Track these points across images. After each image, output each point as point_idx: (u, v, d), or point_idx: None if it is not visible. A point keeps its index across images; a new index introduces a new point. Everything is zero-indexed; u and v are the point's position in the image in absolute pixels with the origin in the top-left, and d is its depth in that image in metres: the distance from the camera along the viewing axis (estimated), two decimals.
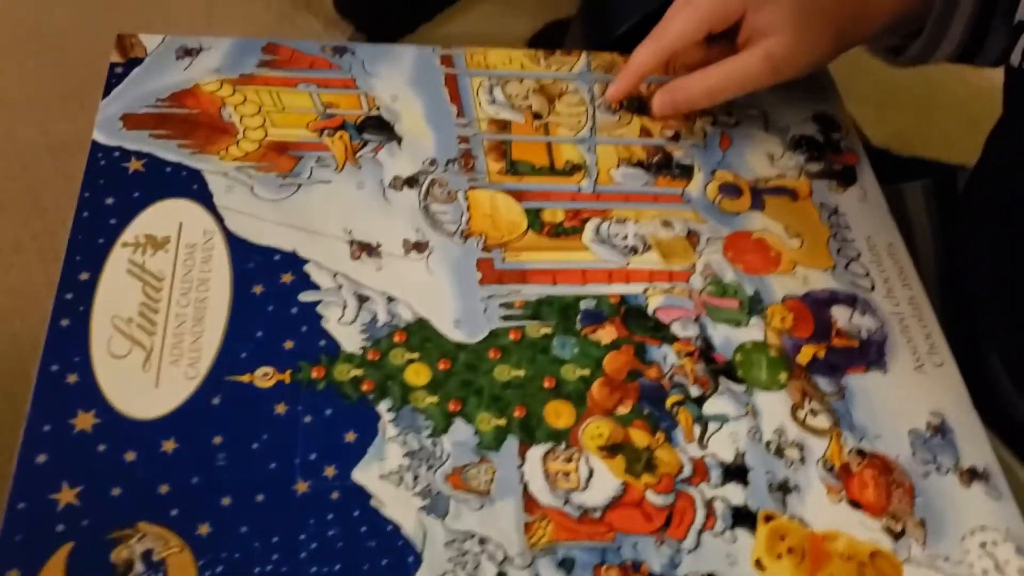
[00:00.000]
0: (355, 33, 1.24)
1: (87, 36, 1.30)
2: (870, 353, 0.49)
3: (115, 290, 0.45)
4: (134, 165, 0.50)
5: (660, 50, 0.54)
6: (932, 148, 0.77)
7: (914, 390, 0.47)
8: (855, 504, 0.43)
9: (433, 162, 0.53)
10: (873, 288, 0.52)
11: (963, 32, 0.51)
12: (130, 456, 0.40)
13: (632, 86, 0.56)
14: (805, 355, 0.48)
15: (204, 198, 0.49)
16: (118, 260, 0.46)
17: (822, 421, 0.46)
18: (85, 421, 0.41)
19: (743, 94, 0.55)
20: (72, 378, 0.42)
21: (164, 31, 0.57)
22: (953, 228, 0.60)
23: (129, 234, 0.47)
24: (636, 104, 0.58)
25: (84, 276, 0.45)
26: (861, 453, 0.45)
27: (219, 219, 0.49)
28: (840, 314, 0.50)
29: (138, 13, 1.28)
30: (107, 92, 0.53)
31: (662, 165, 0.55)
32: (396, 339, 0.46)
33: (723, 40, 0.55)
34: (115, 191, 0.49)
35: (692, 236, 0.52)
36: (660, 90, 0.55)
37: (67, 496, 0.39)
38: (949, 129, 1.12)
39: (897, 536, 0.42)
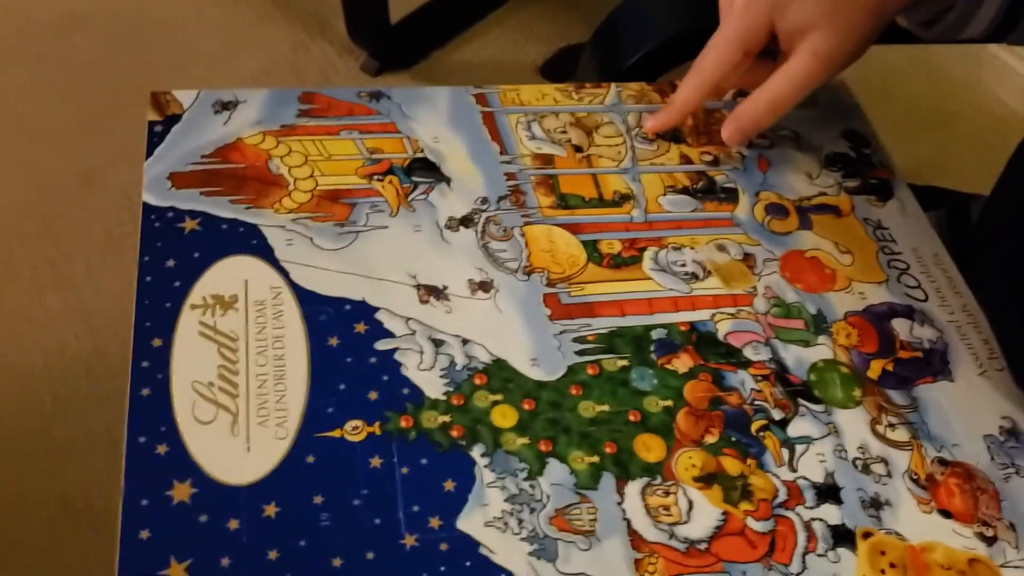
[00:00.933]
0: (368, 59, 1.24)
1: (108, 67, 1.29)
2: (935, 363, 0.50)
3: (191, 354, 0.45)
4: (189, 225, 0.50)
5: (702, 84, 0.54)
6: (948, 176, 0.78)
7: (982, 396, 0.49)
8: (945, 513, 0.44)
9: (484, 200, 0.53)
10: (927, 299, 0.53)
11: (997, 9, 0.51)
12: (233, 524, 0.39)
13: (676, 122, 0.57)
14: (875, 369, 0.49)
15: (265, 253, 0.49)
16: (189, 323, 0.46)
17: (901, 434, 0.46)
18: (182, 492, 0.40)
19: (803, 98, 0.54)
20: (162, 448, 0.41)
21: (184, 61, 0.57)
22: (967, 257, 0.61)
23: (196, 295, 0.47)
24: (671, 132, 0.59)
25: (157, 342, 0.45)
26: (943, 462, 0.46)
27: (284, 273, 0.48)
28: (901, 327, 0.51)
29: (158, 45, 1.27)
30: (150, 152, 0.53)
31: (707, 190, 0.56)
32: (477, 381, 0.46)
33: (768, 59, 0.55)
34: (174, 253, 0.48)
35: (748, 259, 0.53)
36: (725, 122, 0.55)
37: (177, 571, 0.38)
38: (965, 157, 1.14)
39: (990, 541, 0.43)
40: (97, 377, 1.08)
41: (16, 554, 0.97)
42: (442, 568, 0.39)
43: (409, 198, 0.53)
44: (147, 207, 0.50)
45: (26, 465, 1.02)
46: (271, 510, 0.40)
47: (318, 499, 0.41)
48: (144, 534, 0.39)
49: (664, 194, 0.55)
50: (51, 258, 1.16)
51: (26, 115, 1.28)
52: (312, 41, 1.34)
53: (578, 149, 0.57)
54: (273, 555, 0.39)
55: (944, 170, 0.73)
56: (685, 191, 0.55)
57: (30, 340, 1.10)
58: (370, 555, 0.39)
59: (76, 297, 1.14)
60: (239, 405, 0.43)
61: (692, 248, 0.53)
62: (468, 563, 0.40)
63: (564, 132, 0.58)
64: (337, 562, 0.39)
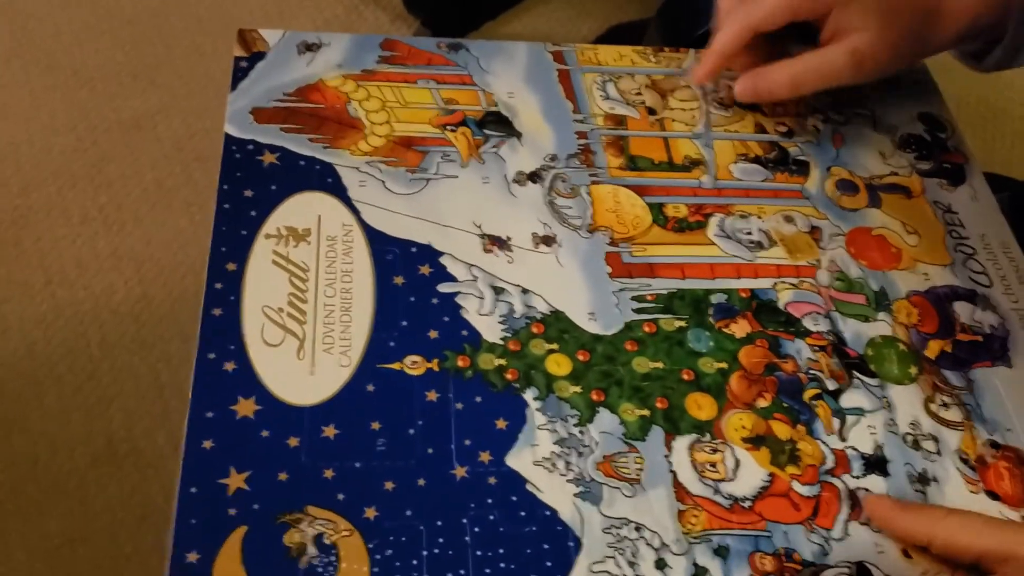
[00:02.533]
0: (420, 28, 1.25)
1: (161, 20, 1.31)
2: (994, 348, 0.49)
3: (263, 280, 0.46)
4: (268, 158, 0.51)
5: (747, 28, 0.53)
6: (998, 169, 0.77)
7: None
8: (993, 495, 0.44)
9: (554, 157, 0.54)
10: (991, 285, 0.52)
11: None
12: (293, 442, 0.41)
13: (718, 67, 0.56)
14: (933, 349, 0.49)
15: (339, 191, 0.50)
16: (263, 251, 0.47)
17: (954, 414, 0.46)
18: (246, 408, 0.42)
19: (824, 88, 0.54)
20: (230, 366, 0.43)
21: (236, 21, 0.58)
22: None
23: (271, 226, 0.48)
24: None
25: (231, 266, 0.46)
26: (994, 445, 0.45)
27: (355, 212, 0.50)
28: (962, 310, 0.51)
29: (212, 3, 1.30)
30: (234, 86, 0.55)
31: (779, 161, 0.56)
32: (534, 330, 0.47)
33: (806, 45, 0.55)
34: (252, 183, 0.50)
35: (814, 231, 0.53)
36: (743, 75, 0.54)
37: (236, 481, 0.40)
38: (1013, 152, 1.12)
39: None
40: (144, 323, 1.11)
41: (60, 492, 1.00)
42: (489, 500, 0.40)
43: (480, 150, 0.54)
44: (228, 138, 0.52)
45: (72, 405, 1.05)
46: (330, 431, 0.42)
47: (375, 425, 0.42)
48: (207, 444, 0.41)
49: (735, 162, 0.55)
50: (101, 204, 1.18)
51: (80, 60, 1.31)
52: (365, 6, 1.35)
53: (651, 112, 0.57)
54: (329, 474, 0.40)
55: (992, 165, 0.72)
56: (757, 160, 0.55)
57: (80, 283, 1.13)
58: (421, 482, 0.41)
59: (126, 244, 1.16)
60: (306, 331, 0.45)
61: (759, 217, 0.53)
62: (514, 498, 0.41)
63: (639, 94, 0.58)
64: (389, 485, 0.40)
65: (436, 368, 0.44)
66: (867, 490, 0.43)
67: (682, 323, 0.48)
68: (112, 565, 0.94)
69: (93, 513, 0.98)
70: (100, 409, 1.05)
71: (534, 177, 0.53)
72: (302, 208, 0.49)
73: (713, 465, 0.43)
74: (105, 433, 1.03)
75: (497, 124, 0.55)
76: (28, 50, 1.32)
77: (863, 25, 0.52)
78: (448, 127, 0.55)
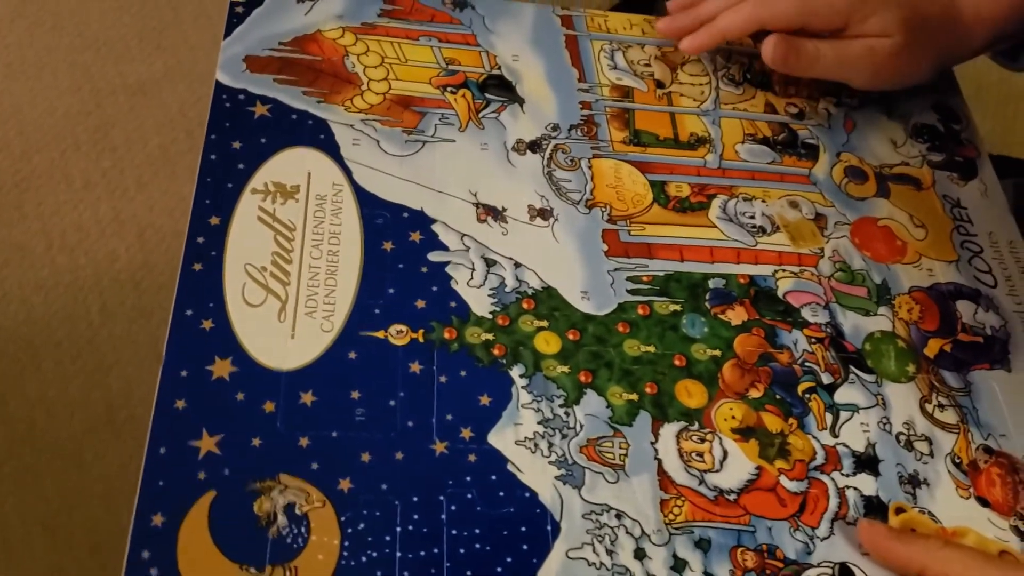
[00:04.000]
0: None
1: None
2: (994, 350, 0.48)
3: (246, 237, 0.45)
4: (259, 110, 0.49)
5: (753, 21, 0.52)
6: (1015, 153, 0.75)
7: None
8: (983, 502, 0.43)
9: (556, 127, 0.52)
10: (995, 284, 0.51)
11: None
12: (269, 406, 0.40)
13: (711, 44, 0.54)
14: (932, 348, 0.47)
15: (331, 149, 0.49)
16: (248, 206, 0.46)
17: (950, 416, 0.45)
18: (222, 368, 0.41)
19: (836, 78, 0.53)
20: (207, 324, 0.42)
21: None
22: None
23: (258, 180, 0.47)
24: (760, 78, 0.57)
25: (214, 220, 0.45)
26: (988, 451, 0.44)
27: (347, 171, 0.48)
28: (965, 309, 0.49)
29: None
30: (228, 32, 0.52)
31: (788, 143, 0.54)
32: (525, 306, 0.45)
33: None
34: (241, 135, 0.48)
35: (819, 219, 0.51)
36: (775, 39, 0.52)
37: (207, 444, 0.38)
38: None
39: None
40: (144, 290, 1.09)
41: (57, 458, 0.99)
42: (468, 478, 0.39)
43: (480, 115, 0.52)
44: (219, 86, 0.50)
45: (70, 371, 1.04)
46: (308, 398, 0.40)
47: (355, 394, 0.41)
48: (180, 404, 0.39)
49: (743, 142, 0.53)
50: (104, 169, 1.16)
51: (85, 21, 1.28)
52: None
53: (660, 85, 0.55)
54: (304, 442, 0.39)
55: (1010, 148, 0.71)
56: (765, 141, 0.54)
57: (81, 249, 1.11)
58: (399, 455, 0.39)
59: (128, 209, 1.14)
60: (289, 292, 0.43)
61: (763, 201, 0.51)
62: (494, 477, 0.40)
63: (648, 65, 0.56)
64: (366, 457, 0.39)
65: (421, 339, 0.43)
66: (856, 489, 0.42)
67: (677, 307, 0.46)
68: (108, 531, 0.94)
69: (90, 479, 0.97)
70: (99, 376, 1.04)
71: (534, 146, 0.51)
72: (292, 164, 0.48)
73: (700, 455, 0.42)
74: (104, 400, 1.02)
75: (499, 88, 0.53)
76: (33, 10, 1.29)
77: (883, 33, 0.51)
78: (448, 88, 0.53)
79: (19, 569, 0.93)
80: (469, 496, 0.39)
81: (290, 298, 0.43)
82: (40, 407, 1.02)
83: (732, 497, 0.41)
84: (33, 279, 1.09)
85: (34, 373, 1.03)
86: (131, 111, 1.21)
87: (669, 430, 0.42)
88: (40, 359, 1.04)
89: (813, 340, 0.46)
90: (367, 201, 0.47)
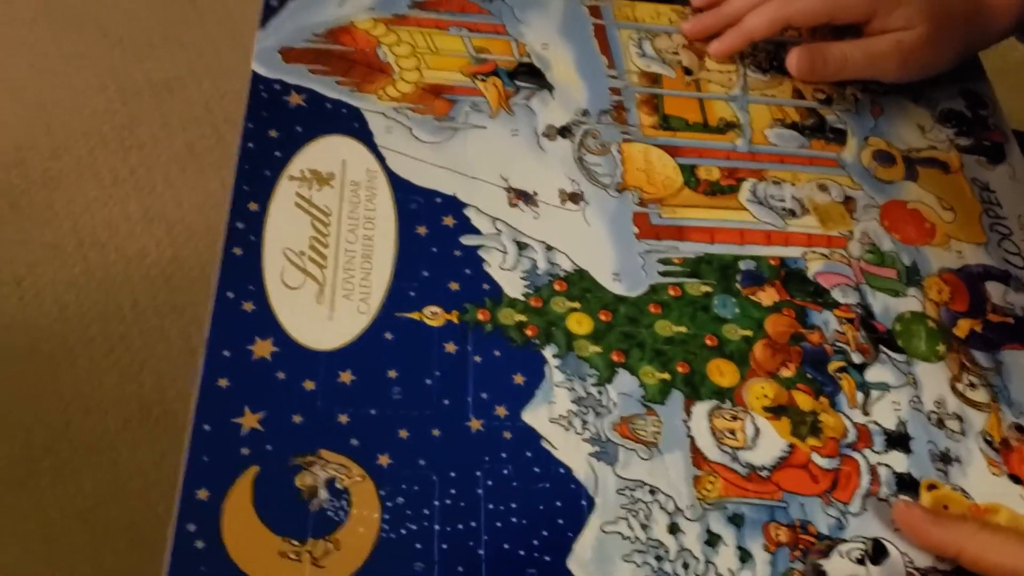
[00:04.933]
0: None
1: None
2: None
3: (285, 222, 0.46)
4: (295, 99, 0.50)
5: (779, 21, 0.53)
6: None
7: None
8: (1015, 479, 0.43)
9: (586, 112, 0.53)
10: None
11: None
12: (309, 385, 0.41)
13: (740, 47, 0.55)
14: (962, 328, 0.47)
15: (365, 137, 0.49)
16: (286, 193, 0.47)
17: (981, 394, 0.45)
18: (263, 349, 0.41)
19: (869, 76, 0.54)
20: (248, 306, 0.43)
21: None
22: None
23: (295, 167, 0.48)
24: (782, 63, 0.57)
25: (253, 206, 0.46)
26: (1020, 428, 0.44)
27: (380, 159, 0.49)
28: (994, 290, 0.49)
29: None
30: (263, 24, 0.53)
31: (816, 128, 0.54)
32: (557, 287, 0.46)
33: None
34: (278, 124, 0.49)
35: (848, 202, 0.51)
36: (799, 50, 0.53)
37: (250, 421, 0.39)
38: None
39: None
40: (176, 285, 1.11)
41: (92, 453, 1.00)
42: (503, 455, 0.40)
43: (510, 101, 0.53)
44: (256, 76, 0.51)
45: (104, 367, 1.05)
46: (346, 377, 0.41)
47: (392, 373, 0.41)
48: (223, 382, 0.40)
49: (771, 127, 0.54)
50: (132, 166, 1.18)
51: (108, 21, 1.30)
52: None
53: (688, 72, 0.56)
54: (343, 419, 0.40)
55: None
56: (793, 126, 0.54)
57: (111, 246, 1.13)
58: (436, 432, 0.40)
59: (157, 206, 1.15)
60: (326, 276, 0.44)
61: (793, 184, 0.51)
62: (529, 453, 0.40)
63: (675, 53, 0.57)
64: (404, 434, 0.40)
65: (455, 320, 0.44)
66: (888, 466, 0.42)
67: (708, 288, 0.47)
68: (144, 526, 0.95)
69: (126, 474, 0.99)
70: (132, 372, 1.05)
71: (564, 132, 0.52)
72: (327, 151, 0.49)
73: (732, 432, 0.42)
74: (137, 396, 1.04)
75: (529, 76, 0.54)
76: (56, 10, 1.31)
77: (908, 24, 0.52)
78: (479, 76, 0.53)
79: (59, 563, 0.95)
80: (505, 472, 0.40)
81: (328, 281, 0.44)
82: (75, 403, 1.03)
83: (765, 474, 0.41)
84: (65, 277, 1.11)
85: (68, 370, 1.05)
86: (157, 109, 1.23)
87: (701, 408, 0.43)
88: (74, 356, 1.06)
89: (843, 320, 0.47)
90: (401, 187, 0.48)
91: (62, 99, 1.23)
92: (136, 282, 1.11)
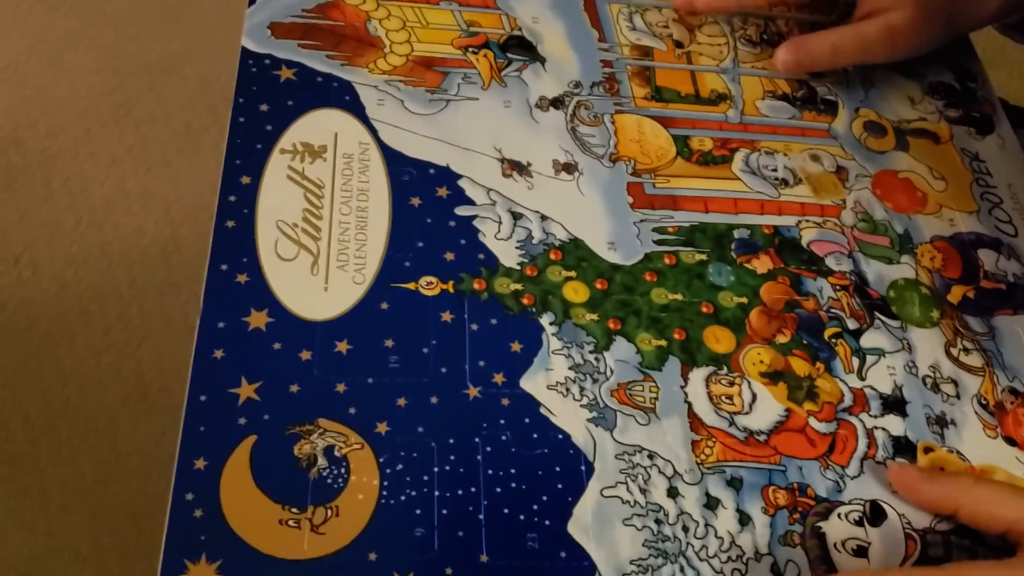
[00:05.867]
0: None
1: None
2: (1017, 296, 0.49)
3: (277, 195, 0.45)
4: (285, 74, 0.50)
5: None
6: None
7: None
8: (1010, 441, 0.43)
9: (578, 84, 0.53)
10: (1016, 234, 0.51)
11: None
12: (305, 355, 0.40)
13: (726, 10, 0.55)
14: (955, 294, 0.48)
15: (357, 109, 0.49)
16: (278, 166, 0.46)
17: (975, 359, 0.46)
18: (258, 319, 0.41)
19: (859, 62, 0.54)
20: (242, 278, 0.42)
21: None
22: None
23: (286, 141, 0.47)
24: (776, 39, 0.57)
25: (245, 180, 0.45)
26: (1014, 392, 0.45)
27: (373, 131, 0.48)
28: (986, 257, 0.50)
29: None
30: (252, 1, 0.53)
31: (807, 100, 0.54)
32: (552, 256, 0.46)
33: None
34: (268, 98, 0.49)
35: (840, 171, 0.51)
36: (785, 47, 0.53)
37: (247, 391, 0.39)
38: None
39: None
40: (173, 264, 1.10)
41: (91, 431, 1.00)
42: (502, 421, 0.40)
43: (502, 73, 0.52)
44: (245, 51, 0.50)
45: (102, 346, 1.05)
46: (343, 347, 0.41)
47: (389, 342, 0.41)
48: (218, 353, 0.40)
49: (763, 98, 0.54)
50: (129, 145, 1.17)
51: (103, 3, 1.29)
52: None
53: (678, 45, 0.56)
54: (340, 387, 0.40)
55: None
56: (784, 98, 0.54)
57: (109, 225, 1.12)
58: (434, 399, 0.40)
59: (155, 185, 1.15)
60: (320, 247, 0.44)
61: (785, 155, 0.52)
62: (527, 420, 0.40)
63: (666, 27, 0.57)
64: (401, 401, 0.40)
65: (451, 290, 0.44)
66: (885, 429, 0.43)
67: (703, 256, 0.47)
68: (144, 503, 0.95)
69: (124, 452, 0.98)
70: (130, 350, 1.05)
71: (557, 103, 0.52)
72: (318, 125, 0.48)
73: (729, 398, 0.42)
74: (135, 374, 1.03)
75: (520, 48, 0.54)
76: None
77: (896, 3, 0.52)
78: (470, 49, 0.53)
79: (58, 540, 0.94)
80: (503, 438, 0.40)
81: (322, 252, 0.44)
82: (74, 382, 1.03)
83: (762, 438, 0.41)
84: (63, 255, 1.10)
85: (67, 348, 1.04)
86: (153, 88, 1.22)
87: (698, 374, 0.43)
88: (73, 334, 1.05)
89: (838, 287, 0.47)
90: (393, 159, 0.48)
91: (59, 79, 1.22)
92: (134, 260, 1.11)
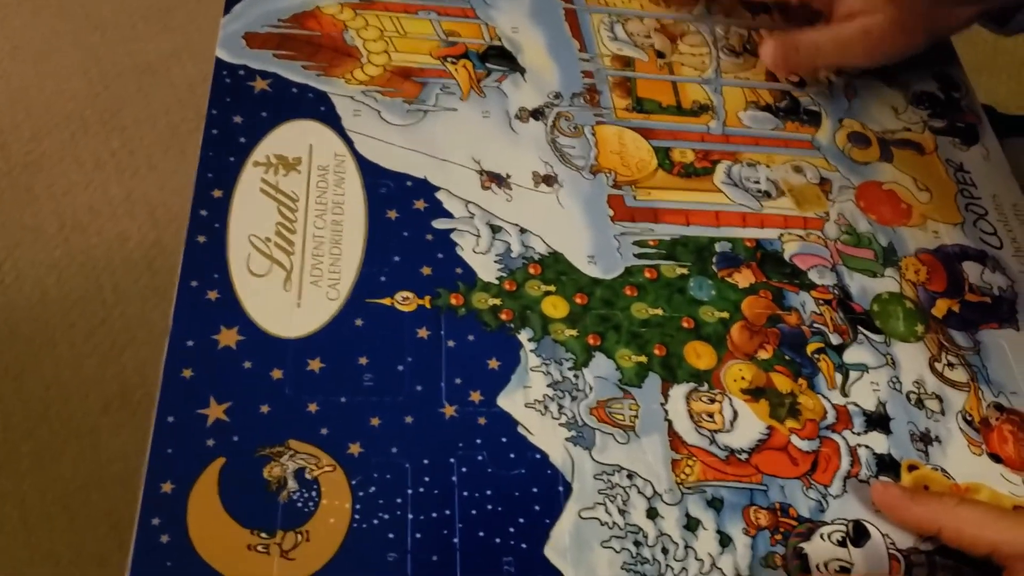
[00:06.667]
0: None
1: None
2: (1002, 310, 0.48)
3: (250, 209, 0.44)
4: (260, 84, 0.49)
5: None
6: None
7: None
8: (996, 458, 0.43)
9: (558, 95, 0.52)
10: (1001, 246, 0.51)
11: None
12: (276, 374, 0.39)
13: None
14: (940, 308, 0.47)
15: (332, 121, 0.48)
16: (250, 179, 0.45)
17: (960, 374, 0.45)
18: (229, 337, 0.40)
19: (839, 63, 0.54)
20: (213, 295, 0.41)
21: None
22: None
23: (260, 153, 0.46)
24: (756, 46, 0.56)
25: (217, 193, 0.45)
26: (1000, 408, 0.44)
27: (349, 142, 0.48)
28: (971, 270, 0.49)
29: None
30: (227, 9, 0.52)
31: (790, 110, 0.54)
32: (531, 271, 0.45)
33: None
34: (242, 110, 0.48)
35: (824, 183, 0.51)
36: (769, 38, 0.52)
37: (215, 411, 0.38)
38: None
39: None
40: (157, 269, 1.09)
41: (73, 437, 0.99)
42: (478, 440, 0.39)
43: (481, 84, 0.52)
44: (219, 62, 0.49)
45: (84, 351, 1.04)
46: (315, 365, 0.40)
47: (363, 360, 0.40)
48: (187, 372, 0.39)
49: (745, 109, 0.53)
50: (114, 149, 1.16)
51: (90, 4, 1.28)
52: None
53: (660, 55, 0.55)
54: (312, 407, 0.39)
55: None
56: (767, 108, 0.54)
57: (93, 229, 1.11)
58: (409, 419, 0.39)
59: (139, 189, 1.14)
60: (293, 262, 0.43)
61: (768, 166, 0.51)
62: (504, 439, 0.39)
63: (648, 37, 0.56)
64: (375, 421, 0.39)
65: (428, 305, 0.43)
66: (868, 447, 0.42)
67: (684, 270, 0.46)
68: (125, 510, 0.94)
69: (106, 459, 0.97)
70: (113, 356, 1.03)
71: (536, 114, 0.51)
72: (293, 136, 0.47)
73: (710, 415, 0.41)
74: (118, 379, 1.02)
75: (500, 58, 0.53)
76: None
77: (875, 8, 0.51)
78: (449, 59, 0.52)
79: (39, 547, 0.93)
80: (480, 458, 0.39)
81: (295, 268, 0.43)
82: (55, 387, 1.01)
83: (744, 456, 0.41)
84: (46, 260, 1.09)
85: (49, 353, 1.03)
86: (139, 91, 1.21)
87: (679, 391, 0.42)
88: (55, 339, 1.04)
89: (821, 302, 0.46)
90: (370, 171, 0.47)
91: (44, 82, 1.21)
92: (117, 266, 1.10)
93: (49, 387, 1.02)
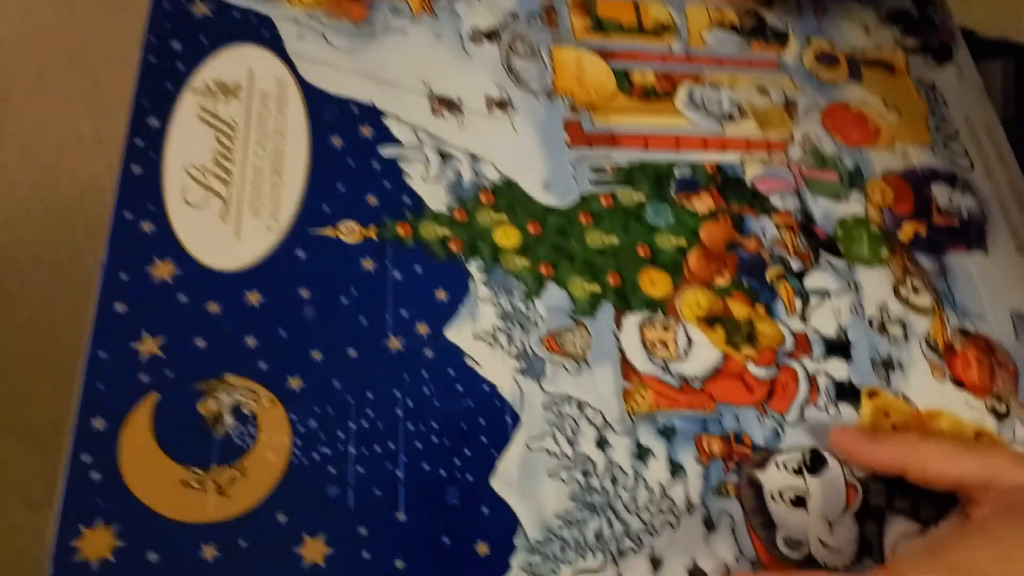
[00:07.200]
0: None
1: None
2: (970, 233, 0.47)
3: (187, 137, 0.42)
4: (200, 9, 0.47)
5: None
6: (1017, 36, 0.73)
7: (1016, 273, 0.46)
8: (959, 383, 0.42)
9: (514, 15, 0.50)
10: (972, 167, 0.49)
11: None
12: (213, 307, 0.38)
13: None
14: (906, 232, 0.46)
15: (275, 45, 0.46)
16: (188, 106, 0.43)
17: (924, 299, 0.44)
18: (163, 270, 0.39)
19: None
20: (147, 227, 0.40)
21: None
22: None
23: (198, 80, 0.44)
24: None
25: (154, 122, 0.43)
26: (964, 333, 0.43)
27: (292, 67, 0.46)
28: (940, 192, 0.48)
29: None
30: None
31: (756, 29, 0.52)
32: (483, 199, 0.43)
33: None
34: (181, 35, 0.46)
35: (789, 105, 0.49)
36: None
37: (149, 346, 0.37)
38: None
39: (1001, 417, 0.41)
40: None
41: (44, 376, 0.98)
42: (425, 374, 0.38)
43: (433, 3, 0.49)
44: None
45: (58, 292, 1.02)
46: (254, 298, 0.39)
47: (304, 293, 0.39)
48: (120, 307, 0.37)
49: (709, 29, 0.51)
50: (83, 87, 1.13)
51: None
52: None
53: None
54: (251, 341, 0.37)
55: (1013, 31, 0.68)
56: (733, 28, 0.51)
57: (63, 169, 1.08)
58: (352, 352, 0.38)
59: (109, 127, 1.11)
60: (232, 192, 0.41)
61: (731, 88, 0.49)
62: (451, 371, 0.38)
63: None
64: (317, 355, 0.38)
65: (374, 236, 0.41)
66: (828, 375, 0.41)
67: (641, 197, 0.44)
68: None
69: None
70: (86, 297, 1.02)
71: (491, 35, 0.49)
72: (233, 62, 0.45)
73: (664, 343, 0.40)
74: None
75: None
76: None
77: None
78: None
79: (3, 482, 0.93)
80: (426, 391, 0.38)
81: (233, 198, 0.41)
82: (29, 329, 1.00)
83: (697, 384, 0.39)
84: (16, 200, 1.07)
85: (20, 295, 1.01)
86: (109, 26, 1.17)
87: (632, 320, 0.41)
88: (26, 281, 1.02)
89: (783, 226, 0.44)
90: (313, 96, 0.45)
91: (10, 17, 1.17)
92: (88, 206, 1.07)
93: (23, 329, 1.00)
